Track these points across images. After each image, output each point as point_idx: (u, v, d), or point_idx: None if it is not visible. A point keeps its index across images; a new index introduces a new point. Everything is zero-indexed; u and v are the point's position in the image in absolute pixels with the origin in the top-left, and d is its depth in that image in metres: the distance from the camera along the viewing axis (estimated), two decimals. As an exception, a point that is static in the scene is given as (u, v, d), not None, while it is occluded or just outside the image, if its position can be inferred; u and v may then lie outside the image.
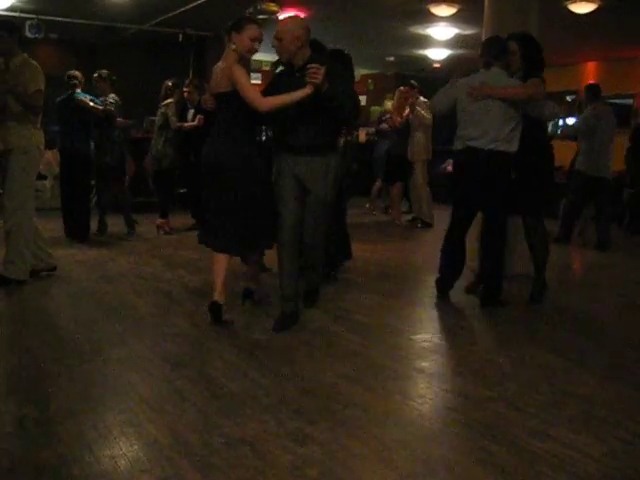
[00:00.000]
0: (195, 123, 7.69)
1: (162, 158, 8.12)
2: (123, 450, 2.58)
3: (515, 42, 4.85)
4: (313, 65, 3.82)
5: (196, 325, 4.32)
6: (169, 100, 8.12)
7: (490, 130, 4.68)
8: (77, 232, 7.55)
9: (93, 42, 11.08)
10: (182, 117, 8.13)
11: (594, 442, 2.75)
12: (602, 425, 2.92)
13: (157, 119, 8.30)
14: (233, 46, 4.09)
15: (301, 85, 3.89)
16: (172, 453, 2.56)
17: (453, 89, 4.98)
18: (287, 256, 4.24)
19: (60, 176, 8.10)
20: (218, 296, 4.22)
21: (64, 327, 4.30)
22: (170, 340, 3.98)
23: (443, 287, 5.15)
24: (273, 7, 8.66)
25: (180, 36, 10.61)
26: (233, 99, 4.07)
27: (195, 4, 8.90)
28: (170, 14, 9.62)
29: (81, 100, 7.44)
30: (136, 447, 2.62)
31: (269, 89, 4.26)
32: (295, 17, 4.53)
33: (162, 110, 8.12)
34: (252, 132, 4.34)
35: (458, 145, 4.88)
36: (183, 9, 9.24)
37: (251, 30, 4.12)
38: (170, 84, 8.25)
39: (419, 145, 9.08)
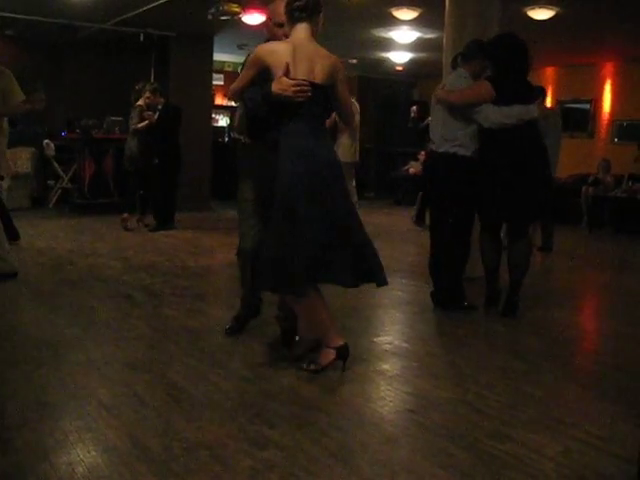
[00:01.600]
0: (145, 123, 8.17)
1: (136, 159, 8.40)
2: (80, 456, 2.54)
3: (483, 45, 4.84)
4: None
5: (156, 328, 4.28)
6: (139, 103, 8.40)
7: (442, 133, 4.73)
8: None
9: (52, 40, 10.89)
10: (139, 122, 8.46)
11: (551, 442, 2.79)
12: (559, 425, 2.97)
13: (130, 122, 8.57)
14: (318, 27, 3.55)
15: None
16: (131, 459, 2.53)
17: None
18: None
19: None
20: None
21: (21, 331, 4.22)
22: (130, 344, 3.94)
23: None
24: (235, 8, 8.62)
25: (141, 36, 10.50)
26: (327, 96, 3.52)
27: (157, 3, 8.80)
28: (131, 13, 9.49)
29: None
30: (94, 453, 2.58)
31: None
32: None
33: (132, 113, 8.45)
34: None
35: (427, 149, 5.07)
36: (145, 8, 9.13)
37: (278, 13, 3.68)
38: (137, 88, 8.57)
39: (344, 148, 8.85)
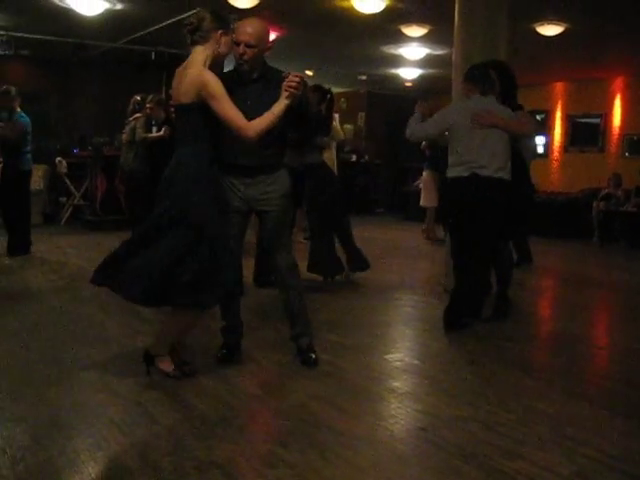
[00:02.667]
0: (161, 133, 7.55)
1: (135, 174, 7.94)
2: (92, 475, 2.54)
3: (493, 70, 4.88)
4: (293, 74, 3.52)
5: (167, 346, 4.28)
6: (137, 115, 7.99)
7: (495, 158, 4.65)
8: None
9: (65, 59, 11.02)
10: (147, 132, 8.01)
11: (564, 461, 2.77)
12: (571, 444, 2.95)
13: (125, 135, 8.13)
14: (218, 48, 3.52)
15: (264, 97, 3.59)
16: (142, 477, 2.53)
17: (448, 114, 4.93)
18: None
19: None
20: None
21: (33, 349, 4.23)
22: (140, 361, 3.94)
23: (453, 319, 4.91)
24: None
25: (152, 54, 10.60)
26: (196, 114, 3.46)
27: (167, 22, 8.90)
28: (142, 32, 9.60)
29: None
30: (105, 472, 2.58)
31: None
32: (259, 19, 3.82)
33: (131, 125, 7.96)
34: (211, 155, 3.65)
35: (462, 172, 4.71)
36: (156, 27, 9.24)
37: (238, 31, 3.61)
38: (139, 98, 8.19)
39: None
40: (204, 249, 3.39)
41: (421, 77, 12.67)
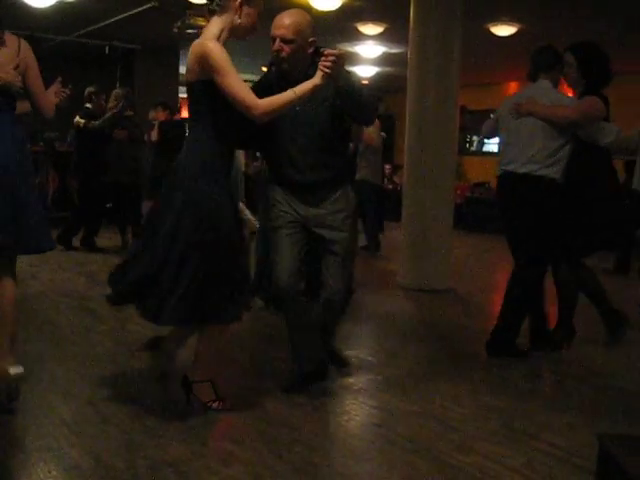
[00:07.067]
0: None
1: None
2: (42, 477, 2.49)
3: (572, 53, 4.28)
4: (329, 50, 2.98)
5: (120, 344, 4.23)
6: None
7: (526, 150, 4.08)
8: None
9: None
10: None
11: (514, 454, 2.83)
12: (522, 437, 3.00)
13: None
14: (237, 19, 3.01)
15: (315, 102, 3.14)
16: (94, 478, 2.49)
17: (500, 107, 4.44)
18: None
19: None
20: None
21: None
22: (93, 360, 3.89)
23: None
24: (201, 21, 8.60)
25: (107, 48, 10.44)
26: (203, 94, 2.97)
27: (122, 16, 8.78)
28: (96, 26, 9.45)
29: None
30: (55, 473, 2.53)
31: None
32: (299, 10, 3.31)
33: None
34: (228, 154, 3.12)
35: (498, 170, 4.30)
36: (110, 21, 9.10)
37: (261, 5, 3.10)
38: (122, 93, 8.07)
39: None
40: (224, 258, 2.99)
41: (377, 75, 12.74)
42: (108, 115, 7.69)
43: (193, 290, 2.91)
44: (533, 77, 4.31)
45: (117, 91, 8.15)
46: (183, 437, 2.86)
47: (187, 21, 8.55)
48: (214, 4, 3.01)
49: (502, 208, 4.34)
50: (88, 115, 7.75)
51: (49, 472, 2.53)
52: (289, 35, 3.15)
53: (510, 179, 4.17)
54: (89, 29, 9.75)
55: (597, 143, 4.12)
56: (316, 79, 2.95)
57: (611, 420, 3.26)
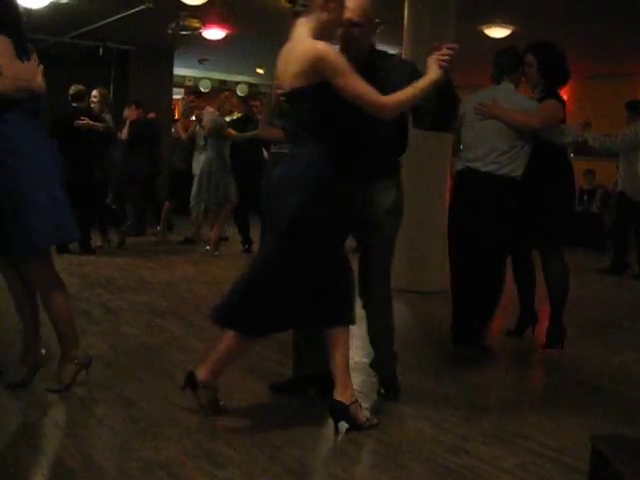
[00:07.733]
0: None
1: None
2: (33, 478, 2.49)
3: (533, 53, 4.39)
4: (447, 45, 2.95)
5: (114, 346, 4.22)
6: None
7: (490, 150, 4.21)
8: None
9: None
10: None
11: (507, 455, 2.83)
12: (514, 438, 3.01)
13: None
14: (326, 16, 2.84)
15: (384, 85, 2.91)
16: (86, 479, 2.49)
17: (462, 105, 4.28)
18: None
19: None
20: None
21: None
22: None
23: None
24: (195, 23, 8.64)
25: (100, 49, 10.43)
26: (316, 100, 2.84)
27: (116, 17, 8.77)
28: (90, 27, 9.44)
29: None
30: (47, 474, 2.53)
31: None
32: None
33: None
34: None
35: (459, 165, 4.42)
36: (104, 22, 9.09)
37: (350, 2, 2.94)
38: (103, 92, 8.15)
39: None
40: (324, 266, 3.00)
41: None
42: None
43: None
44: (497, 79, 4.45)
45: (102, 92, 8.14)
46: (176, 439, 2.85)
47: (182, 23, 8.58)
48: (298, 5, 2.87)
49: (456, 200, 4.49)
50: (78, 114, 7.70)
51: (42, 475, 2.53)
52: (356, 18, 3.01)
53: (473, 175, 4.28)
54: (83, 30, 9.74)
55: (556, 143, 4.32)
56: (432, 74, 2.90)
57: (604, 421, 3.27)
